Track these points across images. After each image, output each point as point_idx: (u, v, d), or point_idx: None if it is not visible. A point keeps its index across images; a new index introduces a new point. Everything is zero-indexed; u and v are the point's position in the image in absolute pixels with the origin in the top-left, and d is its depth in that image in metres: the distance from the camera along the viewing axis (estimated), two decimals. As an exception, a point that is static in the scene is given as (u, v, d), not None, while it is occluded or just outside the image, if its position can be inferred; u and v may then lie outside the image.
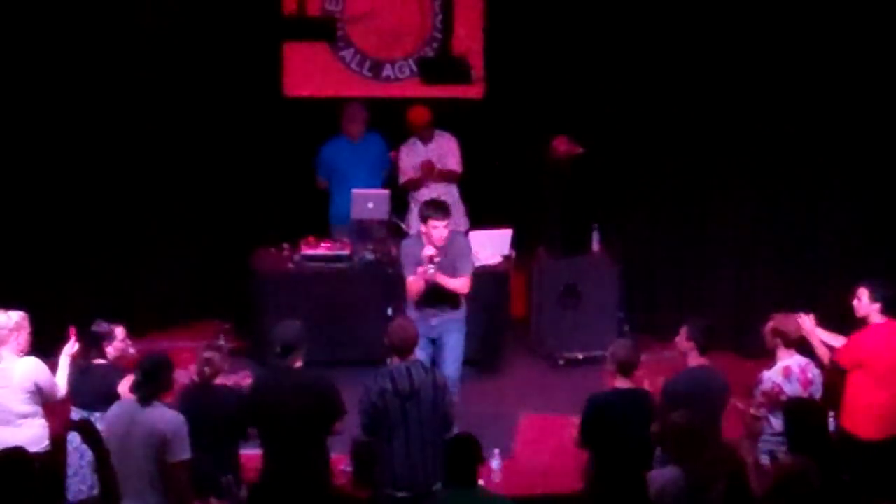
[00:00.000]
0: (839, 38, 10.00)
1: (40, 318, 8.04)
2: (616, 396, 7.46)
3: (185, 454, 6.82)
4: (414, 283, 8.80)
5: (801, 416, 6.90)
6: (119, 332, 7.91)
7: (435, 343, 8.95)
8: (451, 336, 8.95)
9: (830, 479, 6.51)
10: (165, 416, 6.83)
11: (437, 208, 8.84)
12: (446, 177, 10.91)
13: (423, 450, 7.39)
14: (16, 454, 6.15)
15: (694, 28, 10.56)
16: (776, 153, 10.42)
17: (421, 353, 8.58)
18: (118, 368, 7.78)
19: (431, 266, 8.68)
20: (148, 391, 6.83)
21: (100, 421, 7.44)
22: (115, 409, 6.99)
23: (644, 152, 10.90)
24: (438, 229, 8.71)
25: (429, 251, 8.71)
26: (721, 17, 10.42)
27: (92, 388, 7.68)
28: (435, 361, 8.87)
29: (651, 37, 10.73)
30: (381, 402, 7.37)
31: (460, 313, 9.01)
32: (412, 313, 8.80)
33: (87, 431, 6.58)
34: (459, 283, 8.89)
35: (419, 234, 8.99)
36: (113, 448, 6.81)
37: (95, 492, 7.42)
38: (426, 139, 10.91)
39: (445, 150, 10.94)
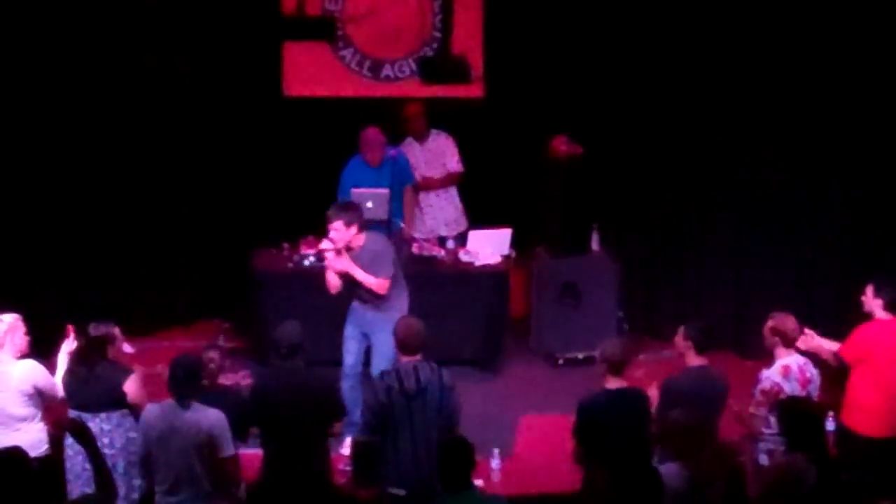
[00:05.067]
0: (834, 41, 10.00)
1: (40, 319, 8.03)
2: (606, 397, 7.45)
3: (231, 450, 7.01)
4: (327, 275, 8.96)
5: (797, 413, 6.90)
6: (117, 331, 7.79)
7: (367, 338, 8.94)
8: (381, 335, 8.73)
9: (827, 477, 6.52)
10: (208, 415, 6.97)
11: (336, 210, 8.79)
12: (448, 181, 10.91)
13: (429, 449, 7.38)
14: (14, 454, 6.14)
15: (693, 28, 10.55)
16: (775, 153, 10.42)
17: (352, 343, 8.87)
18: (122, 367, 7.73)
19: (312, 257, 9.00)
20: (186, 392, 6.97)
21: (105, 422, 7.46)
22: (155, 409, 7.07)
23: (644, 152, 10.90)
24: (332, 231, 8.70)
25: (323, 244, 8.83)
26: (720, 17, 10.42)
27: (100, 390, 7.55)
28: (367, 356, 8.94)
29: (651, 37, 10.72)
30: (386, 400, 7.39)
31: (387, 315, 8.67)
32: (354, 304, 8.93)
33: (80, 431, 6.56)
34: (372, 281, 8.77)
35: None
36: (154, 447, 6.97)
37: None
38: (421, 138, 10.88)
39: (444, 150, 10.92)
